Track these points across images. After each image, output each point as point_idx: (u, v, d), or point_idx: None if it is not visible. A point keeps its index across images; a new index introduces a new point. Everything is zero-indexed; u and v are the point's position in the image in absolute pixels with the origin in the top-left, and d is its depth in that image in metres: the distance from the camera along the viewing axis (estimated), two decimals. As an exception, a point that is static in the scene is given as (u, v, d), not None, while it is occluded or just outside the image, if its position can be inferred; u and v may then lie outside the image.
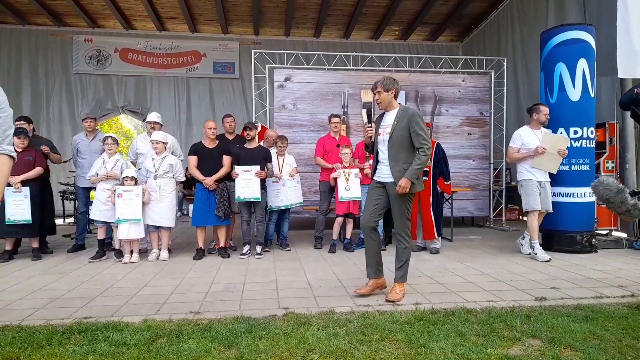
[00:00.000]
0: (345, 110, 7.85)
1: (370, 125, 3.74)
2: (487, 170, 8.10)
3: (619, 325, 2.89)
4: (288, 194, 5.87)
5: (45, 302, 3.55)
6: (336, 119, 6.20)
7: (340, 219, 5.85)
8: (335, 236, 5.88)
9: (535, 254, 5.17)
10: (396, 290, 3.57)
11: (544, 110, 5.43)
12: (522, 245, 5.57)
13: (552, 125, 5.71)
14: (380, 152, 3.69)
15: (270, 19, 11.34)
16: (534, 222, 5.31)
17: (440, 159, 5.60)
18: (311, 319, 3.06)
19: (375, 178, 3.76)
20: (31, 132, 5.83)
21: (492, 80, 8.25)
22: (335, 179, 5.81)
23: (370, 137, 3.71)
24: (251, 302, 3.55)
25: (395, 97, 3.69)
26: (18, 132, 5.23)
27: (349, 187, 5.75)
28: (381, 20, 11.39)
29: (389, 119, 3.66)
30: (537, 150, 5.25)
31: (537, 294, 3.66)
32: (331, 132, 6.24)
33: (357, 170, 5.81)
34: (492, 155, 8.22)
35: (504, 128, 8.42)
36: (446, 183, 5.62)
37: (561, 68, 5.65)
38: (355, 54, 8.84)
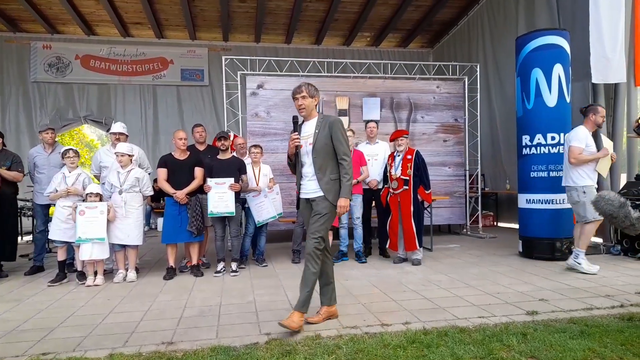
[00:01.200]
0: (320, 117, 7.66)
1: (297, 133, 3.36)
2: (463, 177, 8.07)
3: (617, 341, 2.78)
4: (271, 205, 5.63)
5: (-4, 337, 3.18)
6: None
7: (318, 231, 5.63)
8: (313, 249, 5.65)
9: (579, 264, 4.78)
10: (293, 317, 3.12)
11: (602, 111, 4.99)
12: (580, 263, 4.81)
13: (529, 131, 5.70)
14: (304, 165, 3.38)
15: (240, 24, 11.08)
16: (593, 232, 4.87)
17: (420, 167, 5.48)
18: (296, 346, 2.83)
19: (301, 196, 3.43)
20: (0, 147, 5.41)
21: (466, 86, 8.26)
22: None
23: (297, 146, 3.35)
24: (229, 327, 3.28)
25: (316, 106, 3.43)
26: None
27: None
28: (353, 27, 11.31)
29: (309, 128, 3.37)
30: (605, 152, 4.86)
31: (528, 307, 3.54)
32: (307, 141, 6.03)
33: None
34: (467, 161, 8.20)
35: (479, 134, 8.44)
36: (427, 192, 5.50)
37: (537, 74, 5.65)
38: (329, 60, 8.70)
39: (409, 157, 5.49)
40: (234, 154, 5.78)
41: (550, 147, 5.54)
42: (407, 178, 5.43)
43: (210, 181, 5.13)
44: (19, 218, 8.25)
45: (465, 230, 8.27)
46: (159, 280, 4.94)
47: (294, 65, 8.33)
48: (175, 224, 5.09)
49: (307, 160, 3.35)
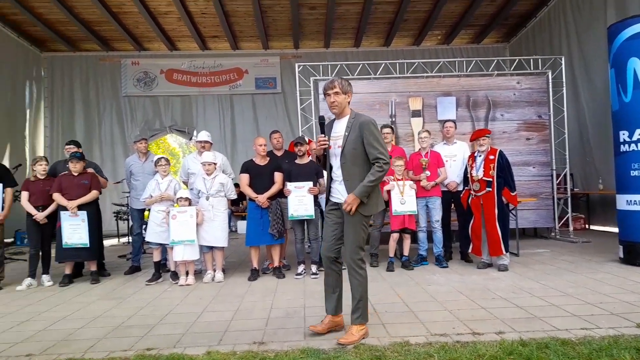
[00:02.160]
0: (394, 119, 7.59)
1: (324, 135, 3.15)
2: (549, 177, 7.57)
3: None
4: None
5: (106, 331, 3.47)
6: (387, 130, 5.95)
7: (396, 235, 5.56)
8: (392, 253, 5.59)
9: None
10: (352, 331, 3.02)
11: None
12: None
13: (628, 126, 5.23)
14: (334, 167, 3.18)
15: (310, 31, 11.29)
16: None
17: (504, 167, 5.22)
18: (385, 352, 2.80)
19: (331, 198, 3.24)
20: None
21: (550, 80, 7.76)
22: (389, 192, 5.53)
23: (324, 149, 3.15)
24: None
25: (348, 103, 3.20)
26: (72, 156, 5.30)
27: (404, 201, 5.46)
28: (423, 26, 11.10)
29: (340, 128, 3.14)
30: None
31: (637, 318, 3.24)
32: (383, 143, 5.98)
33: (411, 183, 5.52)
34: (554, 160, 7.69)
35: (566, 131, 7.88)
36: (512, 193, 5.23)
37: (635, 63, 5.17)
38: (401, 61, 8.57)
39: (492, 157, 5.25)
40: (311, 158, 5.88)
41: (653, 143, 5.04)
42: (490, 179, 5.20)
43: (290, 185, 5.26)
44: (115, 221, 9.05)
45: (553, 233, 7.75)
46: (244, 281, 5.14)
47: (365, 68, 8.31)
48: (258, 227, 5.27)
49: (336, 163, 3.16)
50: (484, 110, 7.65)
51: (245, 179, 5.36)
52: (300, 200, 5.23)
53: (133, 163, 6.11)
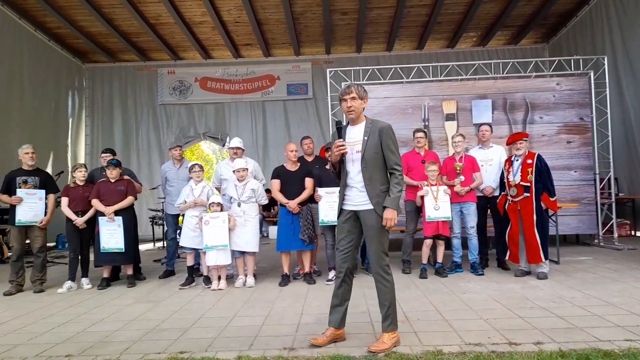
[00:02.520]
0: (427, 123, 7.46)
1: (342, 140, 3.07)
2: (592, 181, 7.24)
3: None
4: None
5: (141, 334, 3.54)
6: (420, 134, 5.85)
7: (429, 241, 5.44)
8: (425, 260, 5.47)
9: None
10: (383, 339, 2.98)
11: None
12: None
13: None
14: (349, 174, 3.13)
15: (342, 36, 11.31)
16: None
17: (543, 172, 5.02)
18: (418, 361, 2.73)
19: (344, 207, 3.18)
20: None
21: (592, 81, 7.44)
22: (422, 198, 5.43)
23: (343, 154, 3.08)
24: (346, 337, 3.27)
25: (364, 109, 3.17)
26: (109, 164, 5.47)
27: (438, 207, 5.34)
28: (457, 28, 10.91)
29: (356, 134, 3.11)
30: None
31: (690, 332, 3.03)
32: (415, 147, 5.89)
33: (446, 187, 5.39)
34: (597, 164, 7.35)
35: (609, 134, 7.53)
36: (551, 199, 5.02)
37: (685, 61, 4.88)
38: (435, 64, 8.44)
39: (529, 161, 5.07)
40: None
41: None
42: (528, 184, 5.01)
43: (321, 190, 5.25)
44: (150, 226, 9.28)
45: (597, 240, 7.39)
46: (274, 286, 5.15)
47: (397, 72, 8.23)
48: (289, 232, 5.27)
49: (354, 169, 3.10)
50: (522, 112, 7.41)
51: (276, 184, 5.38)
52: (331, 206, 5.20)
53: (168, 170, 6.25)
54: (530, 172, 5.02)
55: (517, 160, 5.16)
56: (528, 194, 5.00)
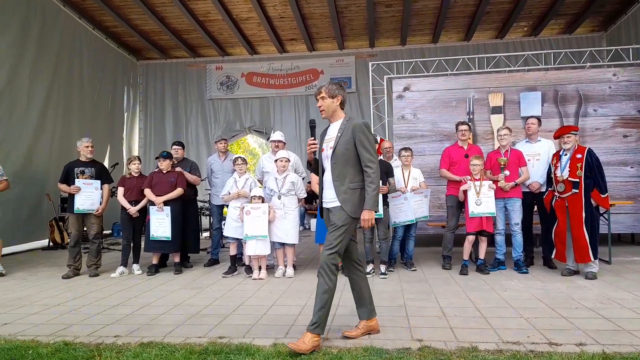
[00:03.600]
0: (471, 116, 7.28)
1: (313, 138, 3.20)
2: (651, 178, 6.81)
3: None
4: (413, 208, 5.54)
5: (184, 318, 3.73)
6: (464, 126, 5.72)
7: (471, 237, 5.32)
8: (466, 256, 5.36)
9: None
10: (304, 338, 2.86)
11: None
12: None
13: None
14: (325, 171, 3.16)
15: (386, 29, 11.18)
16: None
17: (594, 167, 4.78)
18: (451, 356, 2.71)
19: (322, 205, 3.22)
20: (182, 156, 6.35)
21: (653, 71, 6.97)
22: (465, 193, 5.32)
23: (314, 152, 3.17)
24: (380, 329, 3.30)
25: (342, 105, 3.18)
26: (163, 155, 5.75)
27: (480, 202, 5.22)
28: (507, 17, 10.49)
29: (332, 131, 3.15)
30: None
31: None
32: (459, 141, 5.77)
33: (490, 183, 5.26)
34: (656, 160, 6.90)
35: (671, 127, 7.03)
36: (602, 196, 4.78)
37: None
38: (481, 55, 8.20)
39: (579, 156, 4.84)
40: (381, 157, 5.83)
41: None
42: (577, 180, 4.80)
43: (360, 184, 5.25)
44: (199, 217, 9.65)
45: (654, 241, 6.95)
46: (313, 277, 5.22)
47: (441, 64, 8.07)
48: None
49: (327, 166, 3.13)
50: (574, 105, 7.07)
51: (315, 178, 5.44)
52: (370, 199, 5.20)
53: (213, 162, 6.48)
54: (579, 168, 4.80)
55: (566, 154, 4.95)
56: (577, 190, 4.78)
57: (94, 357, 2.82)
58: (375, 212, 3.07)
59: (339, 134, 3.08)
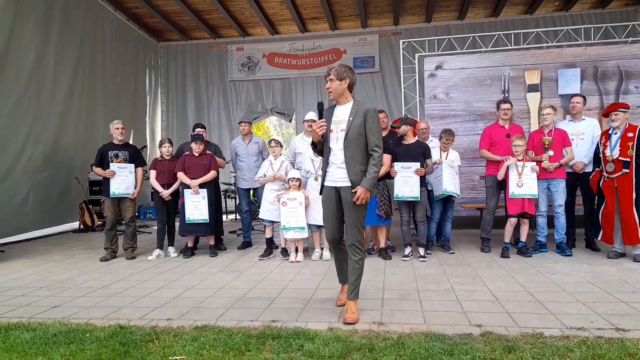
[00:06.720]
0: (507, 95, 7.05)
1: (323, 120, 3.24)
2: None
3: None
4: (446, 180, 5.35)
5: (231, 301, 3.70)
6: (506, 105, 5.54)
7: (513, 220, 5.19)
8: (507, 239, 5.24)
9: None
10: (351, 308, 3.14)
11: None
12: None
13: None
14: (332, 151, 3.26)
15: (411, 5, 10.84)
16: None
17: (646, 147, 4.60)
18: (518, 342, 2.63)
19: (326, 183, 3.34)
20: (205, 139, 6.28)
21: (701, 45, 6.64)
22: (507, 172, 5.14)
23: (322, 134, 3.24)
24: (434, 314, 3.23)
25: (350, 88, 3.25)
26: (195, 138, 5.69)
27: (522, 183, 5.07)
28: (538, -9, 10.09)
29: (342, 113, 3.25)
30: None
31: None
32: (500, 120, 5.59)
33: (533, 164, 5.09)
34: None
35: None
36: (655, 176, 4.60)
37: None
38: (517, 31, 7.90)
39: (630, 134, 4.65)
40: (417, 138, 5.68)
41: None
42: (628, 160, 4.61)
43: (397, 165, 5.14)
44: (223, 199, 9.63)
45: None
46: (351, 261, 5.17)
47: (473, 41, 7.80)
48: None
49: (336, 147, 3.23)
50: (615, 82, 6.80)
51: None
52: (406, 182, 5.11)
53: (238, 145, 6.38)
54: (630, 147, 4.61)
55: (616, 133, 4.76)
56: (627, 170, 4.61)
57: (153, 341, 2.81)
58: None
59: (351, 118, 3.19)
